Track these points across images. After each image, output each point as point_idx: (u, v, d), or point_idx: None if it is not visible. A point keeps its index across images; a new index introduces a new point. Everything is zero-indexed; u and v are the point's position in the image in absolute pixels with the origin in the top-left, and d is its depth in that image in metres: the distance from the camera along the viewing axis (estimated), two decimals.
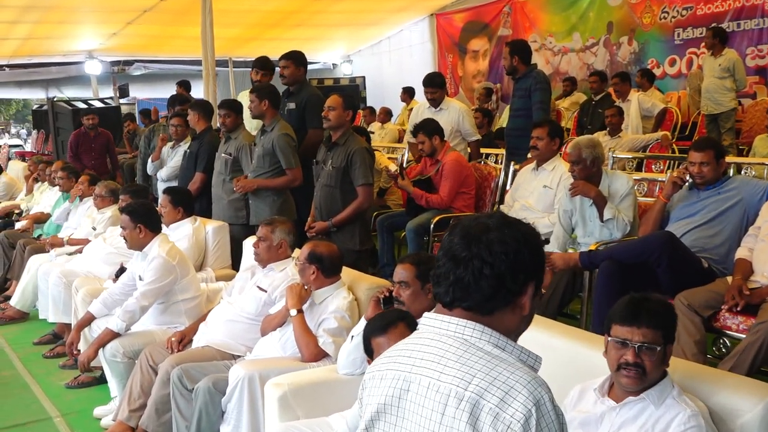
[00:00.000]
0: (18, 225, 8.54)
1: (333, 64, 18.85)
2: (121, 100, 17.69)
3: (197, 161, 6.91)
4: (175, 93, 9.52)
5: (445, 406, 1.64)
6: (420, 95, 13.08)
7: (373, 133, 11.28)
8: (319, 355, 3.82)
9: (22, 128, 41.98)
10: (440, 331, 1.76)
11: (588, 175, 4.85)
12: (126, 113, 14.89)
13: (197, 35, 9.94)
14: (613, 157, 7.21)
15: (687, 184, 4.60)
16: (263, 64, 6.97)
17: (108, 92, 17.68)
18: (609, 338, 2.56)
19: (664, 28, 11.22)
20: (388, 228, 6.46)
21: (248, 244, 5.23)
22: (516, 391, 1.60)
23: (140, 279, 4.77)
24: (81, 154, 10.26)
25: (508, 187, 6.30)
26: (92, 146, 10.37)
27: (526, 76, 6.64)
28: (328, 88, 14.04)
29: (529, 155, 5.94)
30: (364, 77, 16.59)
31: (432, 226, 5.93)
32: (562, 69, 12.87)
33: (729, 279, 4.08)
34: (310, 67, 6.93)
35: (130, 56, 17.48)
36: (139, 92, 20.93)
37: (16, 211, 9.78)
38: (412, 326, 2.88)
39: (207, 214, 6.47)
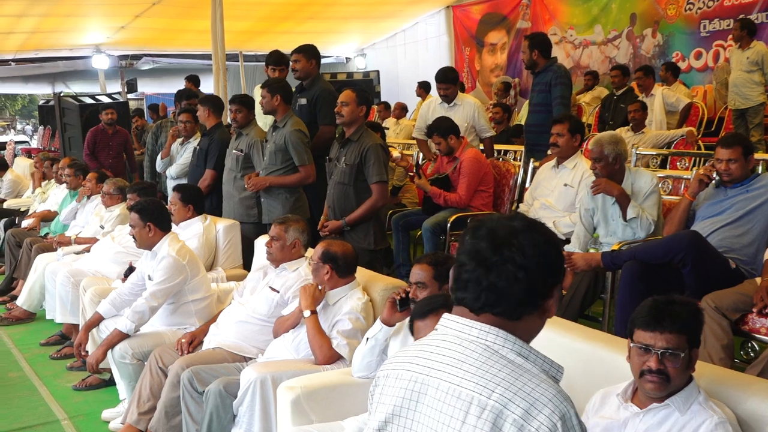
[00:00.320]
0: (24, 223, 8.60)
1: (346, 58, 18.87)
2: (129, 96, 17.80)
3: (207, 158, 6.93)
4: (182, 88, 9.51)
5: (466, 414, 1.65)
6: (435, 90, 13.13)
7: (387, 129, 11.28)
8: (333, 357, 3.83)
9: (28, 124, 42.26)
10: (461, 335, 1.76)
11: (610, 172, 4.83)
12: (134, 109, 14.97)
13: (207, 28, 10.00)
14: (637, 153, 7.18)
15: (713, 181, 4.57)
16: (277, 60, 6.97)
17: (116, 87, 17.79)
18: (632, 343, 2.54)
19: (689, 20, 11.16)
20: (403, 227, 6.46)
21: (260, 243, 5.25)
22: (541, 403, 1.62)
23: (149, 279, 4.79)
24: (98, 152, 9.99)
25: (527, 185, 6.29)
26: (110, 144, 10.12)
27: (546, 70, 6.62)
28: (341, 82, 14.07)
29: (549, 152, 5.92)
30: (378, 71, 16.61)
31: (449, 225, 5.93)
32: (583, 63, 12.83)
33: (758, 280, 4.04)
34: (322, 61, 6.91)
35: (138, 50, 17.56)
36: (147, 87, 21.03)
37: (22, 209, 9.87)
38: None
39: (217, 212, 6.50)
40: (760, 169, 5.59)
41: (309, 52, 6.56)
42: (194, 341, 4.51)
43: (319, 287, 3.98)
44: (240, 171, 6.32)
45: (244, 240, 5.97)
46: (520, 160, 6.88)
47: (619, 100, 9.55)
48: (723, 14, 10.68)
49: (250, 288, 4.65)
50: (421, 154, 7.88)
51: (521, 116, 11.70)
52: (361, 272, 4.24)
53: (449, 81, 7.10)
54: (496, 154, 7.50)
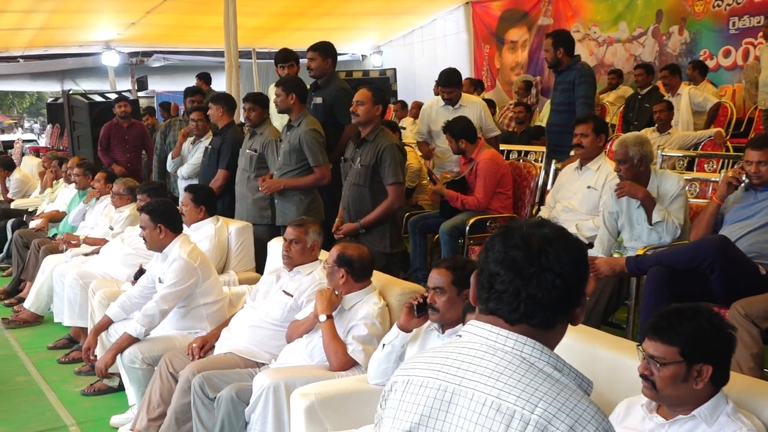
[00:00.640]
0: (32, 224, 8.66)
1: (362, 56, 18.89)
2: (140, 93, 17.88)
3: (220, 157, 6.96)
4: (190, 86, 9.53)
5: (507, 427, 1.65)
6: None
7: (404, 128, 11.28)
8: (348, 363, 3.84)
9: (36, 122, 42.55)
10: (495, 345, 1.76)
11: (635, 174, 4.81)
12: (145, 107, 15.04)
13: (219, 25, 10.03)
14: (662, 155, 7.14)
15: (743, 184, 4.54)
16: (285, 57, 6.99)
17: (126, 85, 17.87)
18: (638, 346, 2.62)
19: (718, 17, 11.09)
20: (420, 230, 6.46)
21: (273, 245, 5.27)
22: (585, 420, 1.64)
23: (160, 281, 4.81)
24: (113, 147, 9.90)
25: (548, 187, 6.27)
26: (125, 138, 10.00)
27: (570, 69, 6.60)
28: (356, 80, 14.06)
29: (572, 153, 5.91)
30: (395, 69, 16.60)
31: (467, 228, 5.93)
32: (607, 61, 12.79)
33: None
34: (338, 58, 6.92)
35: (149, 47, 17.64)
36: (158, 85, 21.10)
37: (30, 210, 9.93)
38: None
39: (229, 213, 6.51)
40: None
41: (325, 50, 6.57)
42: (205, 346, 4.54)
43: (336, 292, 3.99)
44: (254, 171, 6.34)
45: (257, 242, 5.99)
46: (541, 162, 6.87)
47: (643, 99, 9.51)
48: (753, 11, 10.61)
49: (262, 292, 4.66)
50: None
51: (543, 116, 11.69)
52: (377, 276, 4.24)
53: (453, 84, 7.03)
54: (516, 155, 7.49)
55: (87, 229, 7.34)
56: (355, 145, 5.60)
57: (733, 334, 2.53)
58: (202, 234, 5.68)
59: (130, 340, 4.67)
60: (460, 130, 6.27)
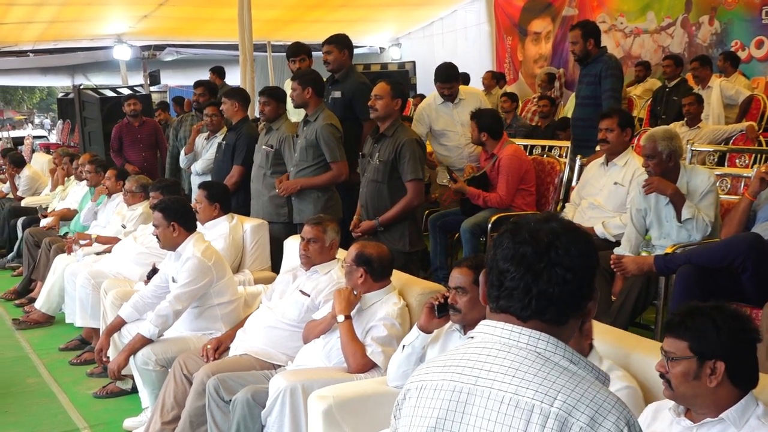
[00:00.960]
0: (43, 222, 8.72)
1: (380, 48, 18.89)
2: (152, 88, 17.94)
3: (235, 153, 6.98)
4: (199, 79, 9.53)
5: (527, 422, 1.67)
6: (475, 83, 13.10)
7: None
8: (366, 365, 3.85)
9: (46, 118, 42.84)
10: (509, 342, 1.78)
11: (664, 170, 4.79)
12: (158, 102, 15.11)
13: (234, 17, 10.04)
14: (692, 150, 7.10)
15: None
16: (295, 51, 6.98)
17: (138, 79, 17.94)
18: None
19: (750, 6, 11.01)
20: (440, 228, 6.45)
21: (289, 244, 5.29)
22: (605, 410, 1.66)
23: (173, 281, 4.84)
24: (126, 148, 9.80)
25: (573, 184, 6.25)
26: (138, 137, 9.88)
27: (596, 61, 6.56)
28: (374, 74, 14.04)
29: (597, 148, 5.89)
30: (414, 62, 16.58)
31: (489, 225, 5.92)
32: (635, 52, 12.72)
33: None
34: (355, 51, 6.91)
35: (161, 40, 17.72)
36: (170, 79, 21.21)
37: (41, 207, 10.01)
38: None
39: (243, 210, 6.53)
40: None
41: (341, 43, 6.57)
42: (220, 347, 4.56)
43: (354, 292, 3.99)
44: (270, 168, 6.36)
45: (272, 241, 6.01)
46: (565, 157, 6.84)
47: (672, 92, 9.46)
48: None
49: (279, 291, 4.68)
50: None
51: (567, 109, 11.64)
52: (397, 276, 4.25)
53: (453, 79, 6.88)
54: (540, 150, 7.46)
55: (99, 227, 7.37)
56: (373, 141, 5.60)
57: (755, 335, 2.52)
58: (217, 232, 5.70)
59: (144, 341, 4.69)
60: (488, 123, 6.24)
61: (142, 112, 10.08)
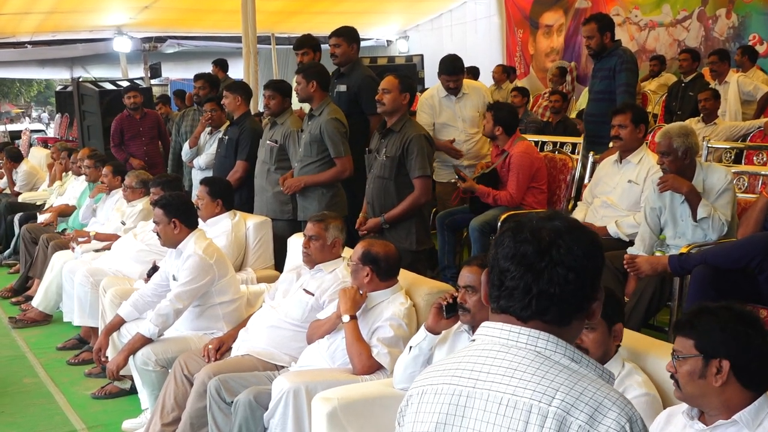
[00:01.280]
0: (41, 218, 8.74)
1: (387, 41, 18.88)
2: (153, 81, 17.97)
3: (238, 149, 6.98)
4: (200, 72, 9.50)
5: (526, 423, 1.68)
6: (485, 77, 13.08)
7: None
8: (372, 366, 3.86)
9: (44, 111, 42.94)
10: (508, 342, 1.78)
11: (679, 167, 4.78)
12: (158, 95, 15.14)
13: (237, 8, 10.05)
14: (708, 147, 7.09)
15: None
16: (299, 44, 6.98)
17: (138, 72, 17.96)
18: None
19: None
20: (448, 226, 6.45)
21: (293, 242, 5.29)
22: (605, 407, 1.66)
23: (174, 279, 4.85)
24: (127, 142, 9.65)
25: (586, 181, 6.24)
26: (140, 130, 9.71)
27: (611, 55, 6.53)
28: (381, 67, 14.05)
29: (611, 145, 5.88)
30: (422, 56, 16.54)
31: (499, 224, 5.91)
32: (649, 46, 12.69)
33: None
34: (361, 44, 6.90)
35: (162, 32, 17.73)
36: (172, 72, 21.23)
37: (38, 203, 10.02)
38: None
39: (246, 207, 6.53)
40: None
41: (350, 36, 6.57)
42: (222, 347, 4.57)
43: (360, 291, 4.00)
44: (274, 164, 6.36)
45: (276, 238, 6.02)
46: (578, 153, 6.84)
47: (687, 87, 9.44)
48: None
49: (282, 290, 4.69)
50: None
51: (579, 104, 11.63)
52: (404, 275, 4.25)
53: (458, 71, 6.85)
54: (551, 147, 7.45)
55: (98, 224, 7.38)
56: (380, 136, 5.59)
57: (764, 336, 2.53)
58: (219, 229, 5.70)
59: (143, 341, 4.70)
60: (504, 117, 6.22)
61: (144, 104, 9.98)
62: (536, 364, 1.73)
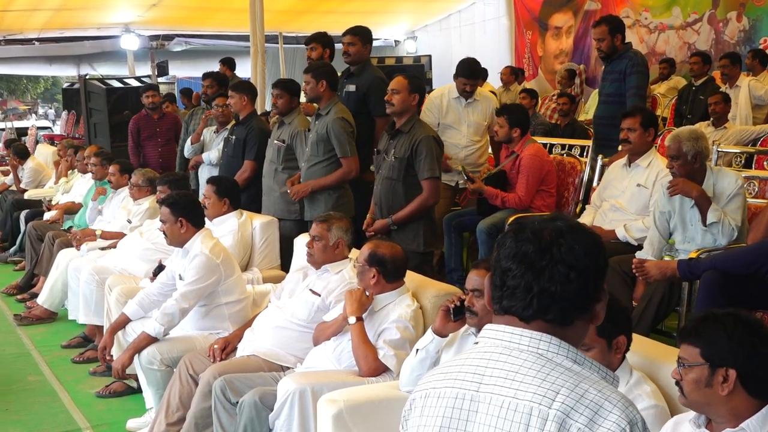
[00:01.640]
0: (47, 216, 8.75)
1: (395, 41, 18.90)
2: (160, 79, 17.99)
3: (246, 148, 6.98)
4: (208, 71, 9.49)
5: (527, 427, 1.68)
6: (493, 78, 13.08)
7: None
8: (378, 369, 3.85)
9: (51, 108, 43.03)
10: (510, 345, 1.79)
11: (689, 171, 4.77)
12: (165, 93, 15.14)
13: (245, 7, 10.09)
14: (718, 151, 7.07)
15: None
16: (307, 40, 6.98)
17: (145, 70, 18.00)
18: None
19: None
20: (456, 228, 6.44)
21: (300, 242, 5.29)
22: (606, 410, 1.66)
23: (180, 278, 4.85)
24: (143, 141, 9.48)
25: (594, 184, 6.23)
26: (157, 131, 9.53)
27: (621, 57, 6.52)
28: (389, 67, 14.05)
29: (620, 148, 5.87)
30: (430, 56, 16.55)
31: (507, 226, 5.90)
32: (659, 49, 12.67)
33: None
34: None
35: (170, 30, 17.77)
36: (179, 70, 21.28)
37: (44, 200, 10.04)
38: None
39: (252, 207, 6.52)
40: None
41: (365, 36, 6.57)
42: (227, 347, 4.57)
43: (366, 293, 3.99)
44: (281, 163, 6.37)
45: (282, 238, 6.02)
46: (586, 156, 6.83)
47: (698, 91, 9.43)
48: None
49: (288, 290, 4.69)
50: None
51: (588, 107, 11.61)
52: (411, 277, 4.25)
53: (478, 75, 6.87)
54: (560, 150, 7.44)
55: (104, 222, 7.38)
56: (389, 137, 5.58)
57: None
58: (225, 229, 5.70)
59: (149, 340, 4.70)
60: (519, 119, 6.23)
61: (161, 104, 9.83)
62: (538, 366, 1.73)
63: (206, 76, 8.88)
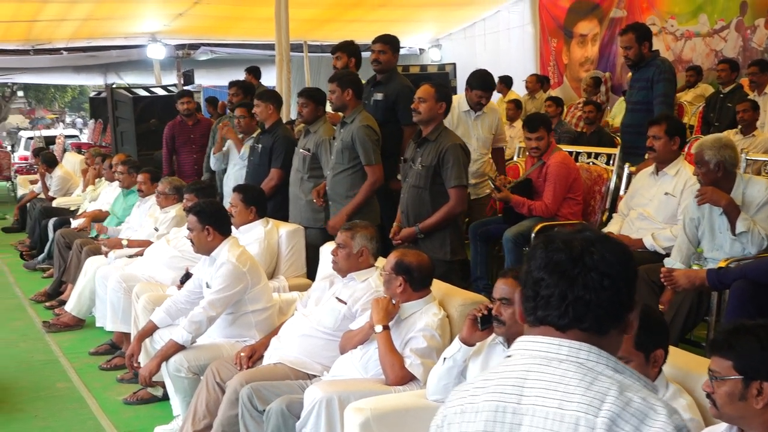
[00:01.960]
0: (74, 223, 8.82)
1: (420, 49, 18.89)
2: (185, 88, 18.08)
3: (272, 156, 7.01)
4: (234, 80, 9.49)
5: None
6: (517, 86, 13.05)
7: None
8: (405, 377, 3.85)
9: (78, 117, 43.41)
10: (549, 355, 1.77)
11: (713, 180, 4.73)
12: None
13: (270, 16, 10.11)
14: (747, 159, 7.01)
15: None
16: (333, 48, 6.98)
17: (171, 79, 18.10)
18: None
19: None
20: (481, 236, 6.42)
21: (326, 250, 5.30)
22: (652, 417, 1.65)
23: (207, 286, 4.87)
24: (178, 148, 9.41)
25: (621, 193, 6.20)
26: (191, 137, 9.43)
27: (649, 65, 6.50)
28: (414, 76, 14.06)
29: (646, 156, 5.83)
30: (454, 64, 16.53)
31: (533, 235, 5.88)
32: (686, 56, 12.59)
33: None
34: None
35: (196, 39, 17.86)
36: (204, 79, 21.36)
37: (72, 208, 10.13)
38: None
39: (278, 215, 6.53)
40: None
41: (395, 44, 6.60)
42: (254, 355, 4.58)
43: (393, 301, 3.99)
44: (307, 172, 6.39)
45: (309, 246, 6.03)
46: (613, 164, 6.79)
47: (726, 98, 9.36)
48: None
49: (314, 298, 4.70)
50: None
51: (613, 115, 11.56)
52: (437, 285, 4.24)
53: (492, 87, 6.83)
54: (586, 158, 7.42)
55: (131, 230, 7.44)
56: (415, 145, 5.57)
57: None
58: (252, 237, 5.72)
59: (176, 348, 4.73)
60: (549, 125, 6.25)
61: (196, 111, 9.73)
62: (579, 375, 1.72)
63: (232, 84, 8.90)
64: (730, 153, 4.77)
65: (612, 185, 6.40)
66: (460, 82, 16.09)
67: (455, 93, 14.82)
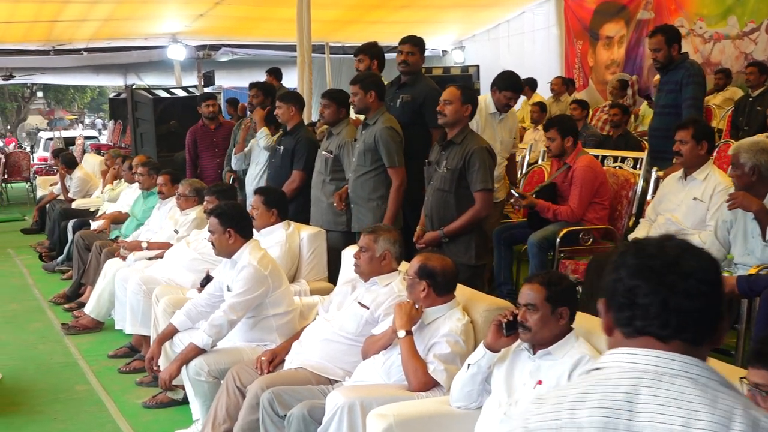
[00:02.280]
0: (94, 225, 8.87)
1: (443, 51, 18.91)
2: (206, 89, 18.17)
3: (294, 158, 7.02)
4: (255, 81, 9.47)
5: None
6: (542, 89, 13.01)
7: None
8: (428, 383, 3.84)
9: (98, 118, 43.68)
10: (657, 369, 1.70)
11: (747, 183, 4.69)
12: None
13: (292, 17, 10.16)
14: None
15: None
16: (356, 50, 6.99)
17: (192, 80, 18.18)
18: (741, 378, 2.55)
19: None
20: (506, 241, 6.41)
21: (347, 253, 5.30)
22: None
23: (228, 290, 4.88)
24: (201, 152, 9.28)
25: (648, 197, 6.16)
26: (214, 141, 9.31)
27: (678, 68, 6.46)
28: (437, 78, 14.04)
29: (674, 161, 5.80)
30: (478, 66, 16.48)
31: (558, 240, 5.86)
32: (714, 59, 12.51)
33: None
34: None
35: (216, 40, 17.96)
36: (225, 80, 21.48)
37: (92, 210, 10.18)
38: None
39: (299, 218, 6.54)
40: None
41: (423, 46, 6.61)
42: (275, 360, 4.58)
43: (416, 306, 3.98)
44: (329, 174, 6.40)
45: (330, 250, 6.03)
46: (640, 168, 6.75)
47: (755, 102, 9.30)
48: None
49: (336, 303, 4.69)
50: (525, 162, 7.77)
51: (641, 117, 11.50)
52: (461, 290, 4.23)
53: (520, 89, 6.77)
54: (612, 162, 7.38)
55: (151, 232, 7.47)
56: (440, 148, 5.56)
57: None
58: (273, 240, 5.72)
59: (196, 351, 4.73)
60: (572, 127, 6.21)
61: (218, 113, 9.58)
62: (698, 392, 1.65)
63: (253, 86, 8.87)
64: (767, 158, 4.73)
65: (639, 190, 6.36)
66: (484, 85, 16.06)
67: (478, 95, 14.84)
